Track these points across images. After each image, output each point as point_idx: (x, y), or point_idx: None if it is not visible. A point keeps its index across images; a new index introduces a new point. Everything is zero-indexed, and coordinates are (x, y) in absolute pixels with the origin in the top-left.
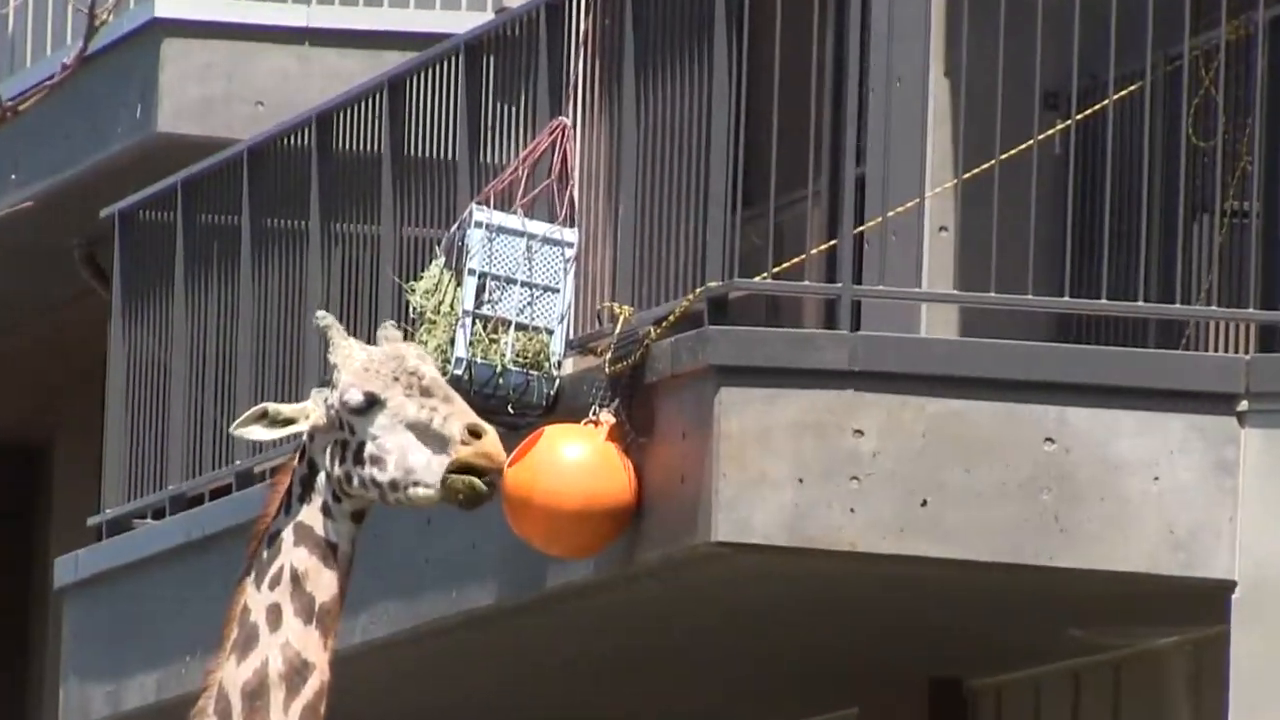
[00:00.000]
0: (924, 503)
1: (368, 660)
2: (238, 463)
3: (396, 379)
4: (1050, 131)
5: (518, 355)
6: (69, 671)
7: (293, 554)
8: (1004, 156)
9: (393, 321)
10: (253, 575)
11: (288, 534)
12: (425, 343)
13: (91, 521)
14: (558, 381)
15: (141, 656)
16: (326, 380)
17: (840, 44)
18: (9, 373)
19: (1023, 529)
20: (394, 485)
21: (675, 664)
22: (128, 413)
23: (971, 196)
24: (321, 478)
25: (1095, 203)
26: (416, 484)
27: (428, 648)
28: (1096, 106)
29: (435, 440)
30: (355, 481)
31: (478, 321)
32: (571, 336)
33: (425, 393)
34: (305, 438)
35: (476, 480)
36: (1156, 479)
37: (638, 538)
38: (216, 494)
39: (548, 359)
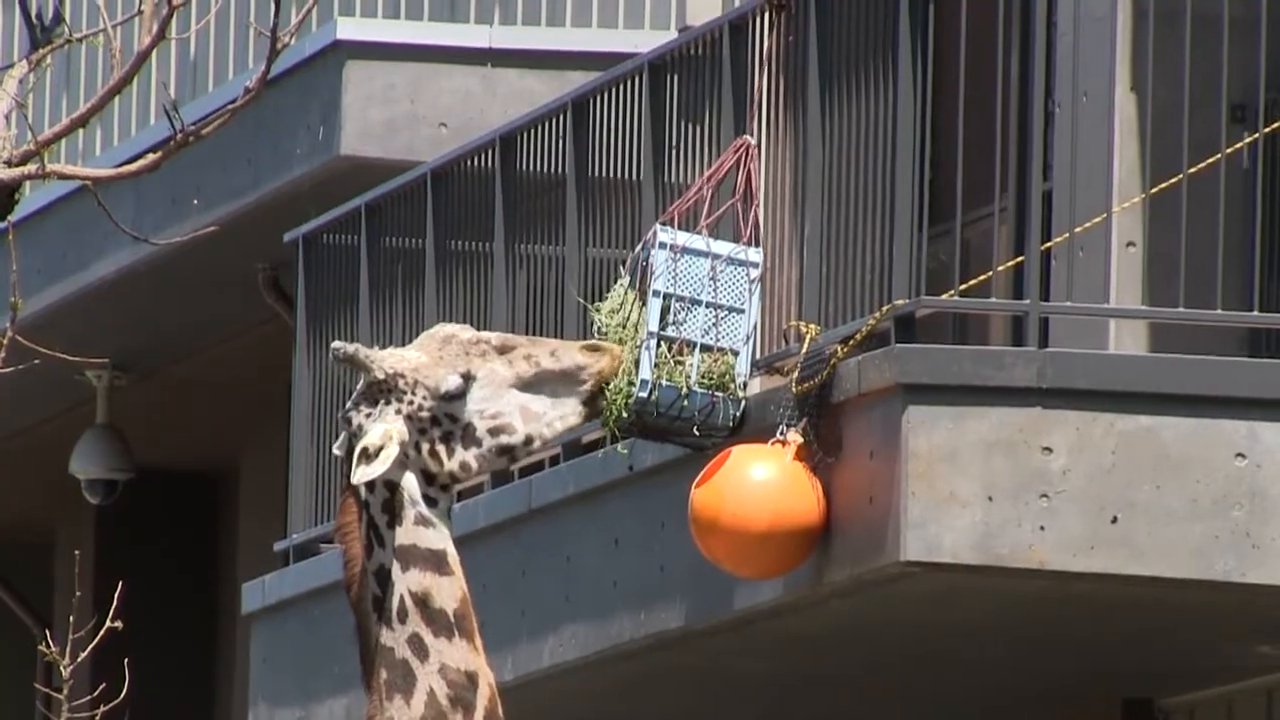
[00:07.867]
0: (1114, 520)
1: (556, 683)
2: None
3: (467, 353)
4: (1238, 145)
5: (703, 376)
6: (258, 697)
7: (405, 580)
8: (1192, 170)
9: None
10: (376, 617)
11: (392, 564)
12: None
13: (278, 547)
14: (744, 402)
15: (330, 682)
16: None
17: (1026, 59)
18: (194, 398)
19: (1214, 545)
20: (528, 440)
21: (864, 684)
22: (313, 437)
23: (1159, 211)
24: (408, 492)
25: None
26: (551, 424)
27: (616, 670)
28: None
29: (555, 380)
30: (478, 464)
31: (663, 343)
32: (757, 356)
33: (502, 351)
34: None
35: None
36: None
37: (826, 558)
38: None
39: (733, 380)
